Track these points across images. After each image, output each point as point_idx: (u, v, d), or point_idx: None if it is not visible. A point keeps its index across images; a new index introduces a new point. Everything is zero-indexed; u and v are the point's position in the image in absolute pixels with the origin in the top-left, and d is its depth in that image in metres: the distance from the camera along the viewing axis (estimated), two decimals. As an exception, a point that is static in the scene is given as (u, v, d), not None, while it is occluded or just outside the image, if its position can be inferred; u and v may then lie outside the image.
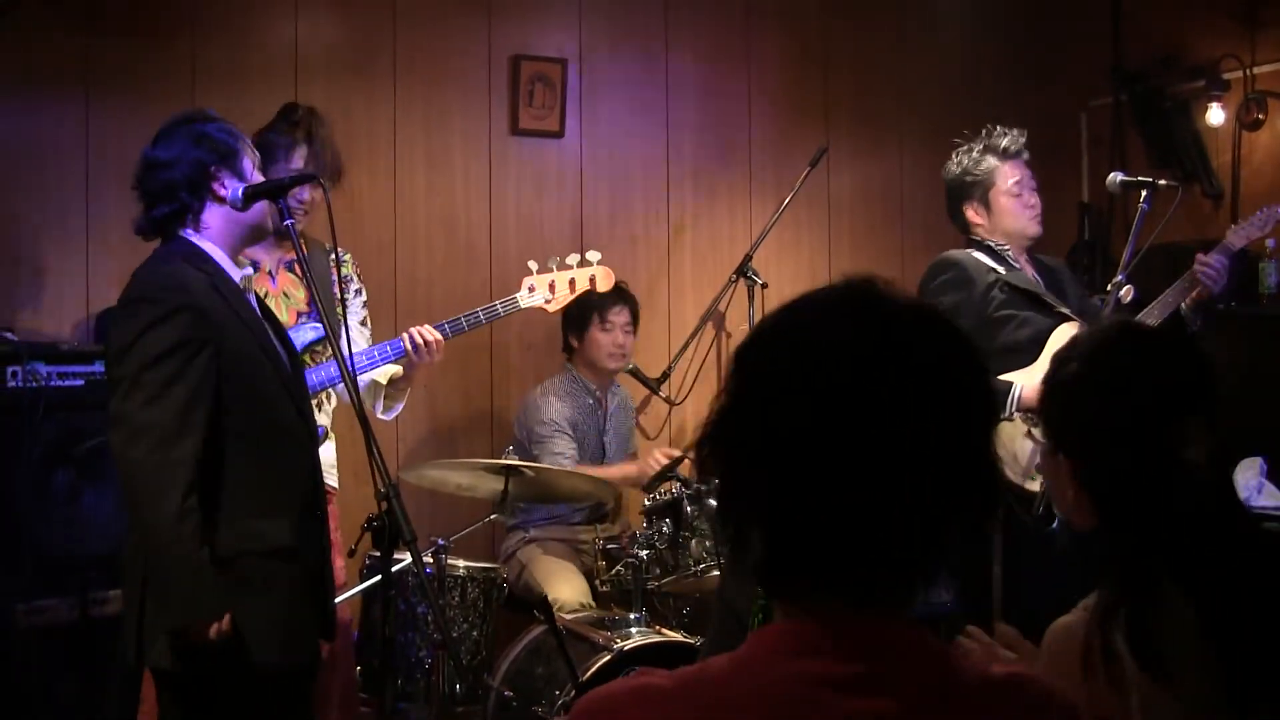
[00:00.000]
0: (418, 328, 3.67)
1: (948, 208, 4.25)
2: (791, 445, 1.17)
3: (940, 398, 1.18)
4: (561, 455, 4.47)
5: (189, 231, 2.84)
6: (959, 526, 1.20)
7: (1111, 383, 1.80)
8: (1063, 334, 4.02)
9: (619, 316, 4.68)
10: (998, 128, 4.17)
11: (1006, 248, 4.12)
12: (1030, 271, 4.17)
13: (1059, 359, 1.90)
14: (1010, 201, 4.10)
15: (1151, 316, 3.95)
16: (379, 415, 3.86)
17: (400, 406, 3.92)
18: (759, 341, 1.26)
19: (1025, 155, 4.16)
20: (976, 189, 4.13)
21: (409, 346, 3.64)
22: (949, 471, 1.18)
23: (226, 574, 2.66)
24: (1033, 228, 4.15)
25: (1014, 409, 3.90)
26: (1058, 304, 4.05)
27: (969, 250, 4.14)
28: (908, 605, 1.21)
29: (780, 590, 1.22)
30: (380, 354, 3.66)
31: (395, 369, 3.79)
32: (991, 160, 4.11)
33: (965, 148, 4.19)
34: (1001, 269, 4.06)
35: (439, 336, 3.68)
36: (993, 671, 1.23)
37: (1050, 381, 1.89)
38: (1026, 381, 3.88)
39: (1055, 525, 3.71)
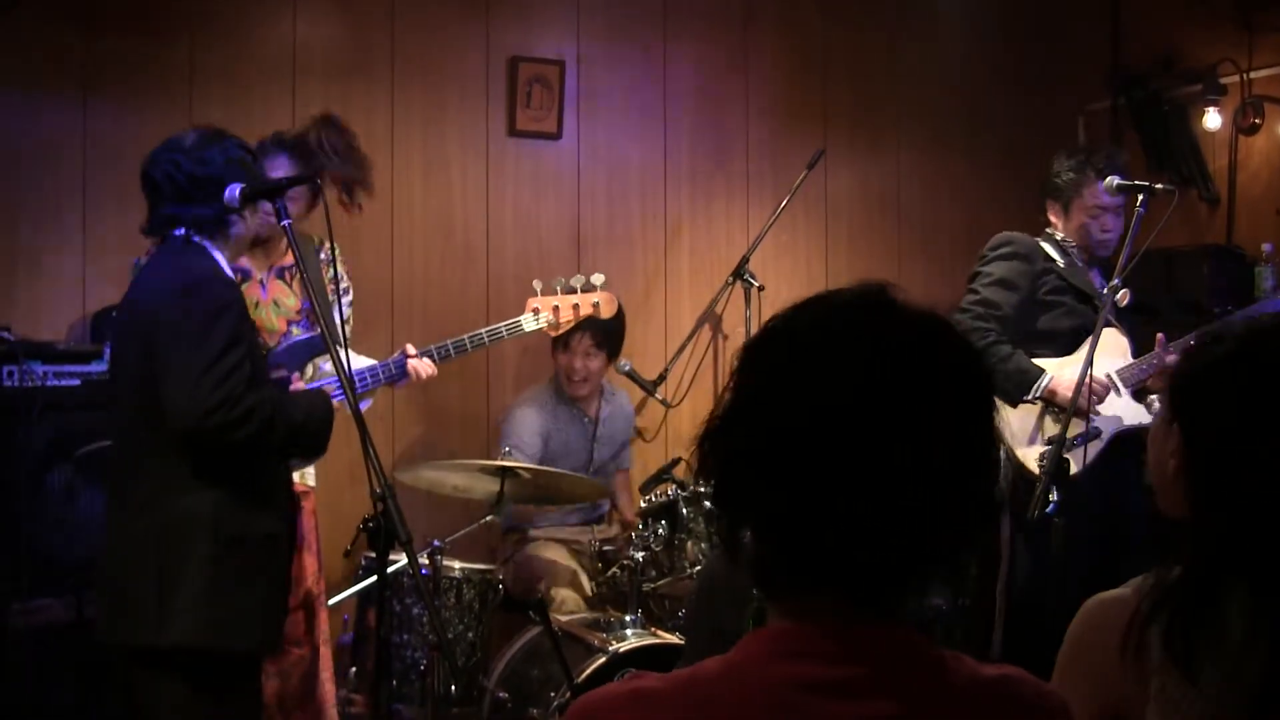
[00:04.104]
0: (418, 361, 3.69)
1: (1040, 193, 4.34)
2: (789, 447, 1.17)
3: (942, 411, 1.18)
4: None
5: (208, 242, 2.92)
6: (952, 534, 1.20)
7: (1257, 374, 1.62)
8: (1101, 337, 4.05)
9: (580, 344, 4.59)
10: (1109, 147, 4.26)
11: (1074, 247, 4.22)
12: (1093, 276, 4.24)
13: (1212, 333, 1.73)
14: (1087, 219, 4.19)
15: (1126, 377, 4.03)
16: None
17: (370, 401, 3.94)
18: (765, 341, 1.25)
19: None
20: (1063, 194, 4.23)
21: (410, 374, 3.70)
22: (946, 483, 1.17)
23: (233, 552, 2.80)
24: (1101, 250, 4.24)
25: (1038, 395, 3.94)
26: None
27: (1036, 237, 4.24)
28: (901, 609, 1.21)
29: (774, 588, 1.22)
30: (372, 377, 3.66)
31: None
32: (1086, 174, 4.18)
33: (1076, 149, 4.30)
34: (1061, 261, 4.16)
35: (434, 370, 3.75)
36: (984, 672, 1.23)
37: (1190, 353, 1.74)
38: (1058, 374, 3.92)
39: (1057, 517, 3.69)
